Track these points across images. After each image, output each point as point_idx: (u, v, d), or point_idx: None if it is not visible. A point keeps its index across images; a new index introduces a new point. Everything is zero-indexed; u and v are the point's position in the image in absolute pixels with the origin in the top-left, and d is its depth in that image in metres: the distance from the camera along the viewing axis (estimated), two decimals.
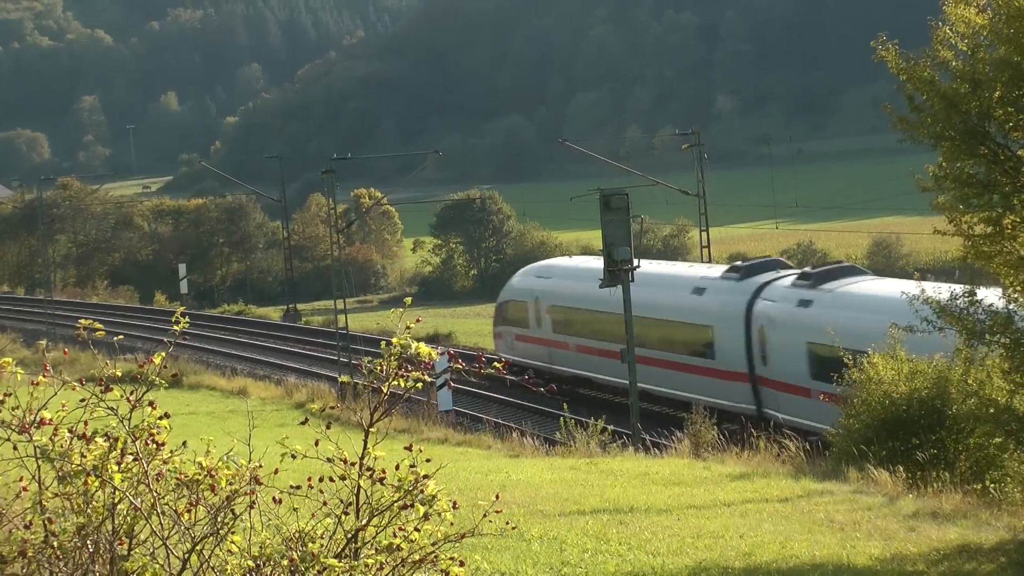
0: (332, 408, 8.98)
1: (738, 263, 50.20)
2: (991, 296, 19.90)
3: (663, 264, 56.42)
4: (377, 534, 8.32)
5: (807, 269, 45.38)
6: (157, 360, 8.27)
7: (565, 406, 36.64)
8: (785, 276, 43.90)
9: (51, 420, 8.13)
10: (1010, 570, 17.25)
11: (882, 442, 24.73)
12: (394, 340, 8.45)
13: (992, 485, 23.58)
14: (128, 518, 8.07)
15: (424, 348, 8.45)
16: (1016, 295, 19.03)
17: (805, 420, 38.80)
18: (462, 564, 8.33)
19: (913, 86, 18.76)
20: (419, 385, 8.46)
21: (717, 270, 48.16)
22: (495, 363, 8.71)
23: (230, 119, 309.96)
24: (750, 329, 42.87)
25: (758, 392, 42.97)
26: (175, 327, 8.56)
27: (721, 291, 44.91)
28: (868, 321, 35.63)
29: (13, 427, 8.05)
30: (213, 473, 8.16)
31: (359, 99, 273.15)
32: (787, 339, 41.04)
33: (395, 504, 8.29)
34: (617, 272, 37.18)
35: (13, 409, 8.12)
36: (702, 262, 61.31)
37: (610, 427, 33.79)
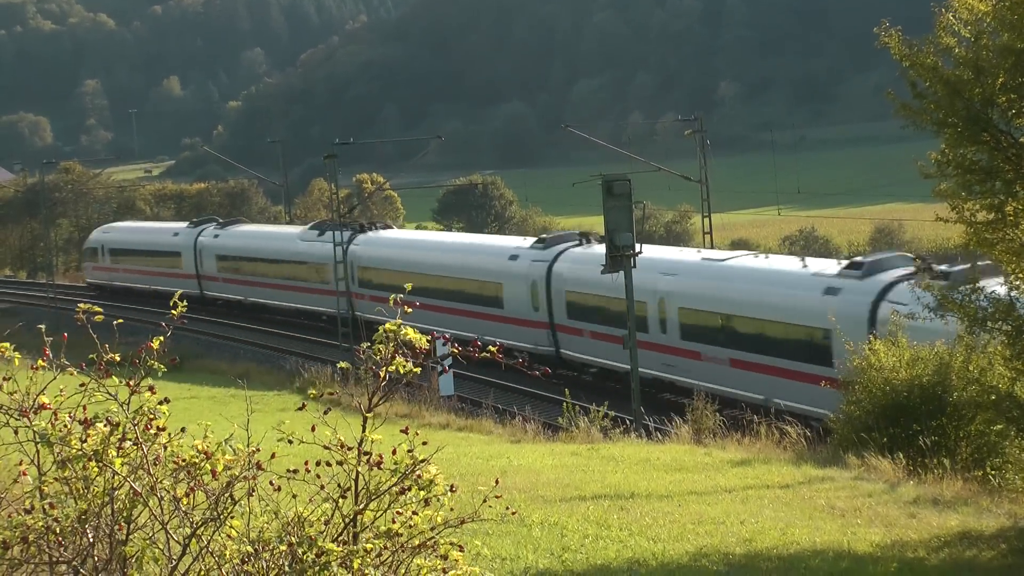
0: (331, 394, 8.96)
1: (216, 219, 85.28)
2: (993, 283, 19.88)
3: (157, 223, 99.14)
4: (376, 519, 8.31)
5: (221, 220, 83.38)
6: (155, 344, 8.25)
7: (567, 392, 36.67)
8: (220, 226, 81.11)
9: (51, 405, 8.11)
10: (1010, 557, 17.26)
11: (883, 429, 24.71)
12: (387, 325, 8.43)
13: (993, 472, 23.58)
14: (127, 502, 8.05)
15: (414, 334, 8.42)
16: (1018, 282, 18.99)
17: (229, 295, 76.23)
18: (461, 549, 8.33)
19: (916, 73, 18.72)
20: (417, 370, 8.44)
21: (183, 225, 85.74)
22: (490, 347, 8.68)
23: (232, 103, 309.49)
24: (197, 253, 79.10)
25: (200, 283, 78.81)
26: (173, 312, 8.54)
27: (189, 235, 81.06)
28: (237, 241, 77.30)
29: (13, 411, 8.03)
30: (210, 456, 8.14)
31: (362, 84, 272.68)
32: (209, 255, 78.28)
33: (392, 488, 8.27)
34: (618, 258, 37.24)
35: (11, 394, 8.10)
36: (704, 248, 61.29)
37: (612, 412, 33.79)
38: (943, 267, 37.87)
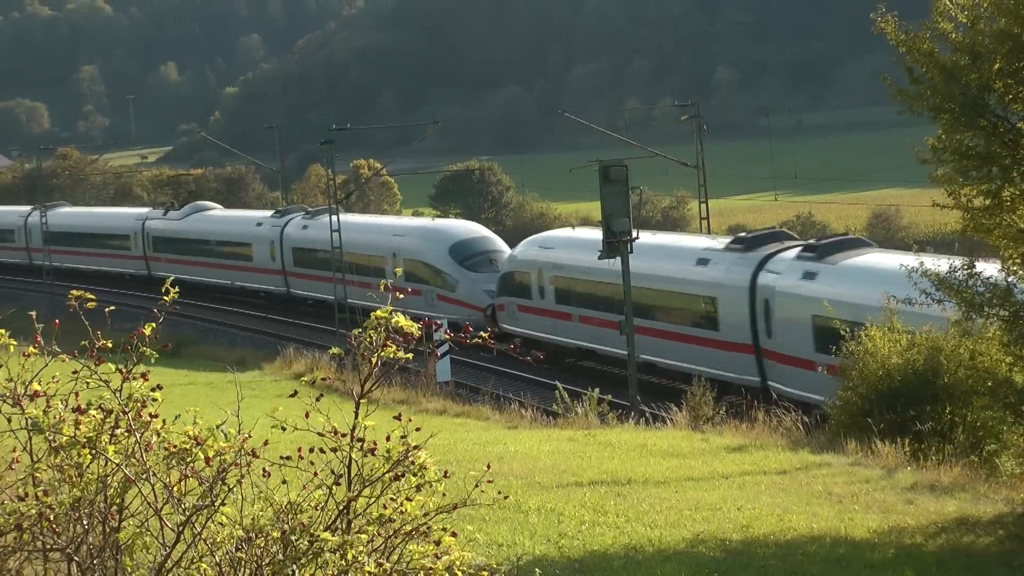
0: (324, 380, 8.96)
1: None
2: (990, 268, 19.85)
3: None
4: (369, 506, 8.29)
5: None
6: (147, 331, 8.21)
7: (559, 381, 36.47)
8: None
9: (44, 392, 8.08)
10: (1008, 543, 17.25)
11: (880, 414, 24.69)
12: (377, 312, 8.40)
13: (988, 456, 23.56)
14: (119, 489, 8.03)
15: (404, 321, 8.39)
16: (1015, 267, 18.97)
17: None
18: (454, 535, 8.31)
19: (912, 58, 18.68)
20: (409, 356, 8.41)
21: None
22: (481, 333, 8.65)
23: (230, 89, 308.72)
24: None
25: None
26: (164, 298, 8.50)
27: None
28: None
29: (6, 399, 8.00)
30: (200, 442, 8.10)
31: (358, 70, 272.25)
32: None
33: (386, 475, 8.25)
34: (615, 243, 37.25)
35: (8, 381, 8.07)
36: (701, 233, 61.21)
37: (608, 397, 33.75)
38: None
